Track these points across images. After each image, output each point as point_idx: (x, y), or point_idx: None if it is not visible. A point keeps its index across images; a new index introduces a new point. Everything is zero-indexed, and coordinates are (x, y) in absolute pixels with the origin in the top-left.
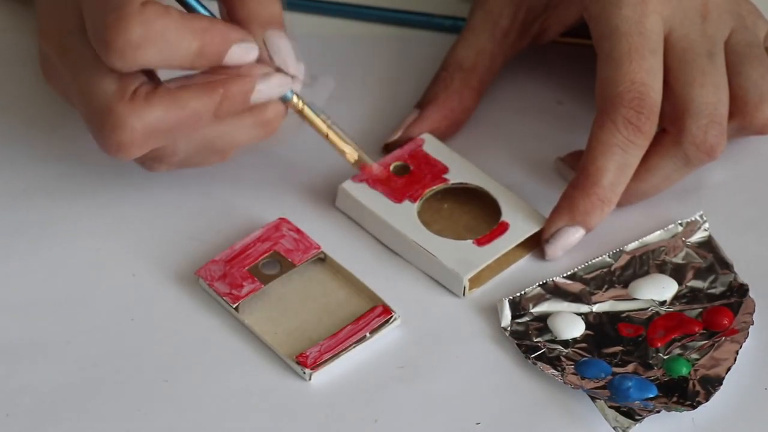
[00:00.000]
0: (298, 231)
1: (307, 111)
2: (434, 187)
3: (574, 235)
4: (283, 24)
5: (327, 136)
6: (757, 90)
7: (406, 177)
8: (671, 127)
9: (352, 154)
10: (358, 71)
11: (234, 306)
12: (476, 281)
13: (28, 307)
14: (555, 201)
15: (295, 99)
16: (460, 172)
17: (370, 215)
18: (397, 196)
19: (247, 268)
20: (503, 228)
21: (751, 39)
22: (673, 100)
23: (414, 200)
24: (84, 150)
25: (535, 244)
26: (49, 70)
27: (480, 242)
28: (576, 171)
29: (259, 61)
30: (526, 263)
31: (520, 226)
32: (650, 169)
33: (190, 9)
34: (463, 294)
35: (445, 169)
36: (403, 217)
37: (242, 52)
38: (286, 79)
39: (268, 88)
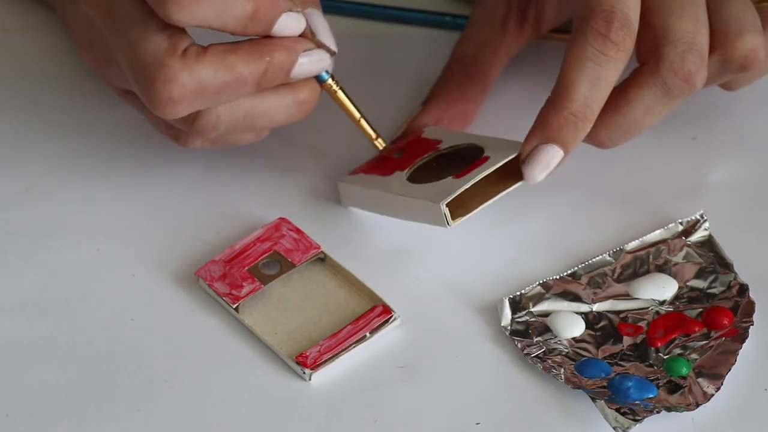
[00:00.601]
0: (298, 231)
1: (340, 94)
2: (425, 156)
3: (550, 153)
4: (319, 4)
5: (359, 122)
6: (737, 22)
7: (401, 157)
8: (650, 58)
9: (380, 142)
10: (358, 71)
11: (234, 306)
12: (460, 210)
13: (28, 307)
14: (555, 199)
15: (330, 81)
16: (453, 139)
17: (367, 194)
18: (389, 171)
19: (247, 268)
20: (483, 160)
21: None
22: (651, 32)
23: (403, 169)
24: (84, 150)
25: (516, 179)
26: (89, 38)
27: (459, 176)
28: None
29: (301, 36)
30: (526, 261)
31: (498, 156)
32: (630, 102)
33: None
34: (447, 224)
35: (439, 141)
36: (393, 182)
37: (292, 22)
38: (326, 55)
39: (309, 63)
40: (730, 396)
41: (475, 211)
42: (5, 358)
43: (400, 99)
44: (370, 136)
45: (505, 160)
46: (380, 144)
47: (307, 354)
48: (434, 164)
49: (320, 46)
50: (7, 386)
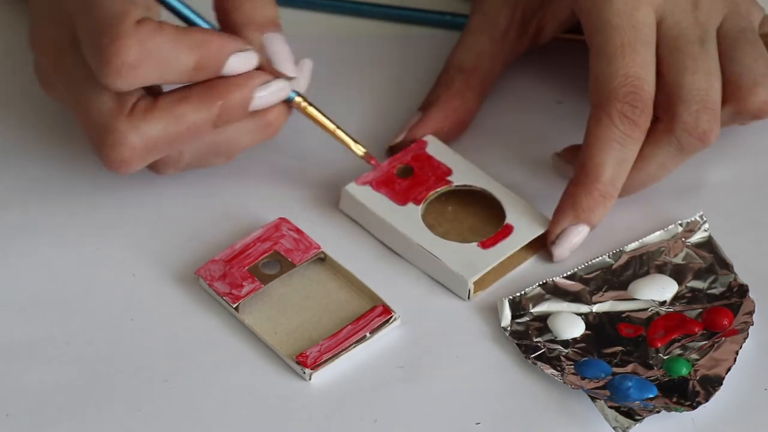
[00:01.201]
0: (298, 231)
1: (311, 110)
2: (438, 189)
3: (580, 233)
4: (279, 24)
5: (334, 132)
6: (750, 74)
7: (410, 179)
8: (664, 115)
9: (359, 147)
10: (357, 70)
11: (234, 306)
12: (481, 284)
13: (28, 307)
14: (557, 201)
15: (297, 99)
16: (463, 173)
17: (374, 218)
18: (400, 198)
19: (247, 267)
20: (508, 231)
21: (744, 24)
22: (665, 89)
23: (418, 203)
24: (84, 149)
25: (539, 247)
26: (45, 78)
27: (484, 245)
28: (573, 165)
29: (260, 66)
30: (527, 262)
31: (524, 229)
32: (645, 158)
33: (187, 21)
34: (468, 297)
35: (449, 171)
36: (407, 219)
37: (241, 62)
38: (284, 84)
39: (267, 95)
40: (730, 396)
41: (493, 284)
42: (5, 358)
43: (398, 98)
44: (347, 144)
45: (531, 238)
46: (359, 150)
47: (307, 354)
48: (449, 206)
49: (278, 74)
50: (7, 386)
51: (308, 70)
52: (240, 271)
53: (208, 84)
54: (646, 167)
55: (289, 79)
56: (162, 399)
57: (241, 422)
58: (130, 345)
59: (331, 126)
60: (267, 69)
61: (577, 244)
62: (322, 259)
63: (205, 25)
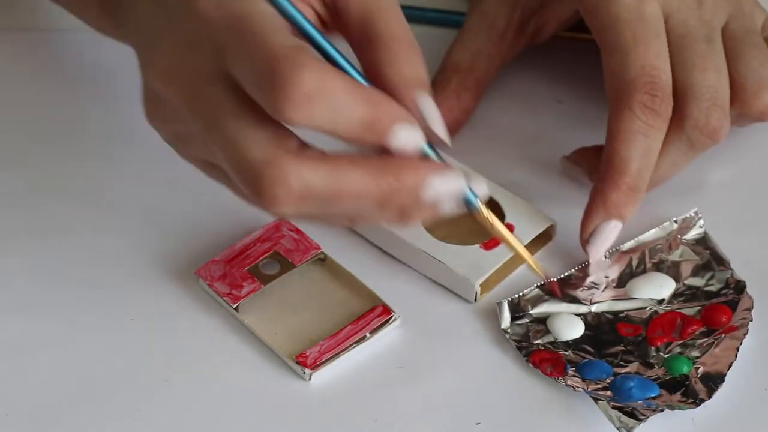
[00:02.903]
0: (298, 231)
1: (498, 224)
2: None
3: (613, 229)
4: (429, 86)
5: (516, 250)
6: (755, 76)
7: None
8: (673, 112)
9: (539, 267)
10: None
11: (234, 306)
12: (486, 286)
13: (28, 307)
14: (557, 200)
15: (483, 209)
16: None
17: (374, 226)
18: None
19: (247, 268)
20: (509, 230)
21: (749, 25)
22: (674, 86)
23: None
24: (84, 149)
25: (540, 245)
26: (161, 112)
27: (487, 246)
28: (582, 168)
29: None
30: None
31: (524, 227)
32: (658, 158)
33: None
34: (475, 299)
35: None
36: (411, 229)
37: (408, 136)
38: (458, 175)
39: (441, 185)
40: (730, 396)
41: (500, 287)
42: (5, 358)
43: None
44: (527, 262)
45: (533, 237)
46: (540, 270)
47: (307, 354)
48: None
49: (434, 140)
50: (7, 386)
51: (484, 191)
52: (240, 272)
53: (384, 157)
54: (658, 166)
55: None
56: (162, 399)
57: (241, 422)
58: (130, 345)
59: (514, 245)
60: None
61: (612, 241)
62: (322, 260)
63: (367, 85)
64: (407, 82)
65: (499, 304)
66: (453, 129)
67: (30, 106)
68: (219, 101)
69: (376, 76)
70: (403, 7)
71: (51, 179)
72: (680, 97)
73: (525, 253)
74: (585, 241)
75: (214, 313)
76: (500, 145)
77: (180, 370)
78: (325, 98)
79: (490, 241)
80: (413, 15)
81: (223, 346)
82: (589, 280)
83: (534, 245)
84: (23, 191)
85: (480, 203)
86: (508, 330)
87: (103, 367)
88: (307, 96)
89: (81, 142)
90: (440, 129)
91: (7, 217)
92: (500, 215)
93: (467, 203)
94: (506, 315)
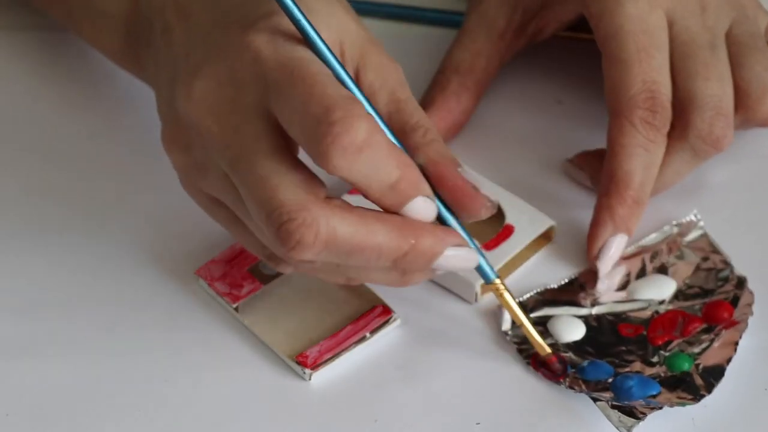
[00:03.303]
0: None
1: (507, 297)
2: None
3: (621, 243)
4: (456, 161)
5: (523, 326)
6: (759, 82)
7: None
8: (677, 122)
9: (544, 347)
10: None
11: (234, 306)
12: (486, 287)
13: (28, 307)
14: (557, 201)
15: (497, 281)
16: None
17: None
18: None
19: (247, 268)
20: (509, 231)
21: (753, 30)
22: (677, 94)
23: None
24: (84, 150)
25: (540, 245)
26: (184, 139)
27: (488, 246)
28: (585, 171)
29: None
30: (527, 264)
31: (525, 228)
32: (660, 166)
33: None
34: (476, 300)
35: None
36: None
37: (425, 206)
38: (473, 255)
39: (455, 257)
40: (730, 396)
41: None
42: (5, 358)
43: None
44: (533, 340)
45: (533, 237)
46: (544, 351)
47: (307, 354)
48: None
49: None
50: (7, 386)
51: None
52: (240, 272)
53: (406, 219)
54: (662, 175)
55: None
56: (162, 399)
57: (241, 422)
58: (130, 345)
59: (521, 320)
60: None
61: (619, 255)
62: None
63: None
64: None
65: (500, 307)
66: (454, 130)
67: (30, 106)
68: (256, 138)
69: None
70: (404, 7)
71: (51, 179)
72: (684, 106)
73: (534, 334)
74: (594, 257)
75: (214, 313)
76: (500, 145)
77: (180, 370)
78: (371, 153)
79: (491, 241)
80: (413, 15)
81: (223, 346)
82: (595, 288)
83: (534, 246)
84: (23, 191)
85: (495, 277)
86: (509, 332)
87: (103, 367)
88: (357, 147)
89: (81, 143)
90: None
91: (6, 217)
92: (500, 216)
93: (482, 275)
94: (507, 317)
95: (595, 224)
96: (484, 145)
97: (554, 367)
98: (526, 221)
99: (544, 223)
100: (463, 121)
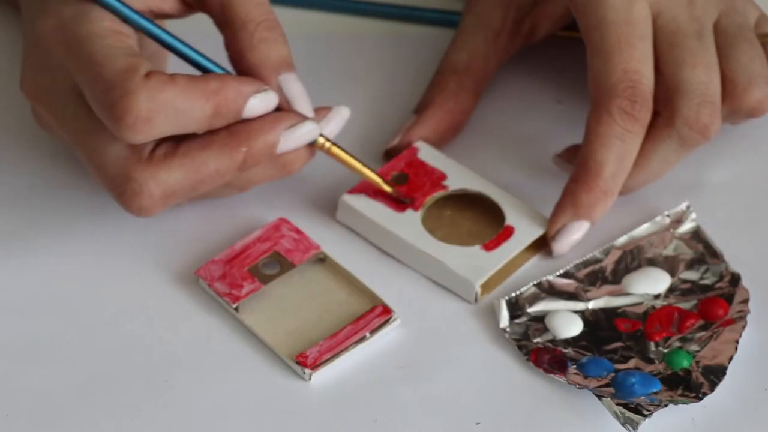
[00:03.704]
0: (298, 231)
1: (336, 150)
2: (435, 194)
3: (580, 229)
4: (293, 64)
5: (362, 171)
6: (746, 72)
7: (405, 186)
8: (664, 110)
9: (382, 185)
10: (348, 70)
11: (234, 306)
12: (486, 287)
13: (28, 307)
14: (556, 201)
15: (321, 140)
16: (458, 177)
17: (374, 226)
18: (398, 205)
19: (247, 268)
20: (509, 232)
21: (741, 21)
22: (664, 84)
23: (416, 209)
24: None
25: (540, 247)
26: (44, 123)
27: (488, 247)
28: (573, 164)
29: (278, 106)
30: (527, 265)
31: (525, 229)
32: (646, 154)
33: (200, 67)
34: (475, 300)
35: (444, 176)
36: (408, 226)
37: (260, 103)
38: (313, 126)
39: (295, 138)
40: (730, 396)
41: (498, 287)
42: (5, 358)
43: (390, 98)
44: (376, 183)
45: (534, 238)
46: (389, 188)
47: (307, 354)
48: (447, 210)
49: (303, 116)
50: (7, 386)
51: (342, 118)
52: (240, 272)
53: (231, 129)
54: (648, 163)
55: (318, 121)
56: (161, 399)
57: (241, 422)
58: (130, 345)
59: (358, 165)
60: (288, 110)
61: (577, 240)
62: (322, 260)
63: (218, 71)
64: (268, 63)
65: (497, 303)
66: (453, 131)
67: (29, 106)
68: (76, 117)
69: (238, 59)
70: (404, 7)
71: (51, 179)
72: (671, 94)
73: (374, 177)
74: (551, 237)
75: (214, 313)
76: (500, 145)
77: (180, 370)
78: (162, 112)
79: (491, 242)
80: (413, 15)
81: (223, 346)
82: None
83: (534, 247)
84: (23, 191)
85: (321, 137)
86: (507, 329)
87: (103, 367)
88: (142, 119)
89: None
90: (304, 107)
91: (7, 217)
92: (500, 217)
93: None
94: (504, 314)
95: (558, 207)
96: (484, 145)
97: (399, 199)
98: (526, 222)
99: (544, 224)
100: (463, 121)
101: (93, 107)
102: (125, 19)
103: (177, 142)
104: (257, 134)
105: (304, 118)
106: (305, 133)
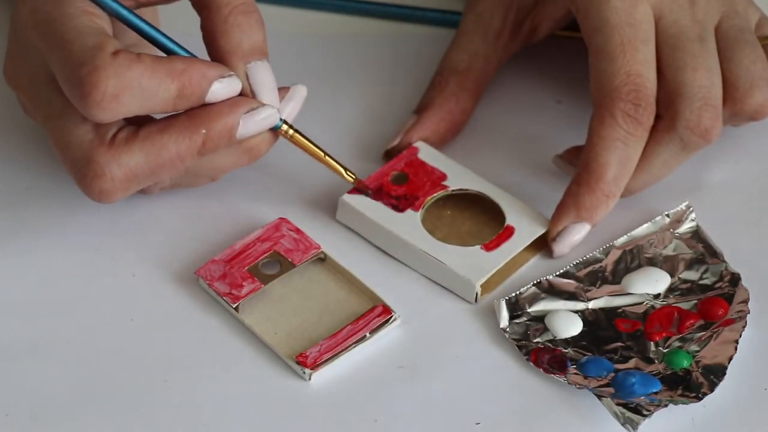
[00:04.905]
0: (298, 231)
1: (298, 137)
2: (435, 195)
3: (581, 231)
4: (266, 51)
5: (323, 160)
6: (747, 76)
7: (405, 186)
8: (666, 113)
9: (349, 174)
10: (348, 70)
11: (234, 306)
12: (486, 287)
13: (28, 307)
14: (556, 201)
15: (284, 127)
16: (458, 178)
17: (374, 226)
18: (399, 206)
19: (247, 268)
20: (509, 232)
21: (742, 24)
22: (666, 87)
23: (416, 209)
24: None
25: (540, 247)
26: (25, 108)
27: (488, 247)
28: (575, 166)
29: (243, 93)
30: (527, 265)
31: (525, 230)
32: (648, 158)
33: (167, 51)
34: (476, 300)
35: (444, 176)
36: (408, 226)
37: (223, 88)
38: (272, 111)
39: (254, 123)
40: (730, 396)
41: (498, 287)
42: (5, 358)
43: (390, 98)
44: (339, 171)
45: (534, 238)
46: (350, 177)
47: (307, 354)
48: (447, 210)
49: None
50: (7, 386)
51: (301, 97)
52: (240, 272)
53: (191, 113)
54: (650, 166)
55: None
56: (161, 399)
57: (241, 422)
58: (130, 345)
59: (319, 153)
60: (252, 96)
61: (578, 242)
62: (322, 259)
63: (184, 54)
64: (239, 49)
65: (497, 303)
66: (453, 131)
67: None
68: (49, 102)
69: (210, 43)
70: (404, 7)
71: (51, 179)
72: (672, 97)
73: (336, 165)
74: (552, 238)
75: (214, 312)
76: (500, 145)
77: (180, 370)
78: (128, 90)
79: (491, 242)
80: (413, 15)
81: (223, 346)
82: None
83: (534, 247)
84: (23, 191)
85: (284, 123)
86: (507, 329)
87: (103, 367)
88: (109, 96)
89: None
90: (269, 97)
91: (6, 217)
92: (500, 217)
93: (273, 128)
94: (504, 314)
95: (560, 208)
96: (484, 145)
97: (364, 191)
98: (527, 222)
99: (545, 224)
100: (463, 121)
101: (63, 87)
102: (98, 3)
103: (138, 126)
104: (216, 117)
105: (263, 104)
106: (264, 117)
